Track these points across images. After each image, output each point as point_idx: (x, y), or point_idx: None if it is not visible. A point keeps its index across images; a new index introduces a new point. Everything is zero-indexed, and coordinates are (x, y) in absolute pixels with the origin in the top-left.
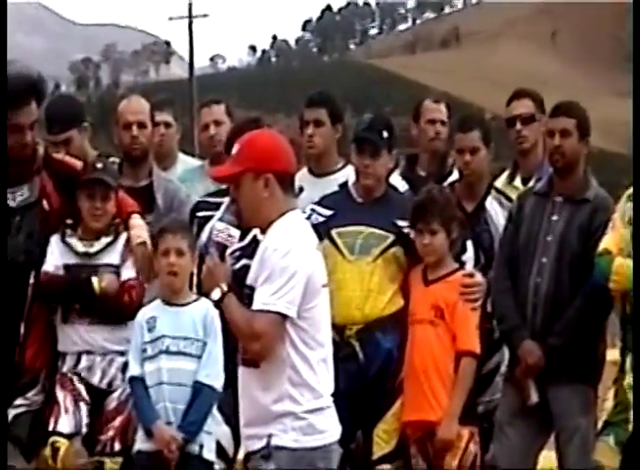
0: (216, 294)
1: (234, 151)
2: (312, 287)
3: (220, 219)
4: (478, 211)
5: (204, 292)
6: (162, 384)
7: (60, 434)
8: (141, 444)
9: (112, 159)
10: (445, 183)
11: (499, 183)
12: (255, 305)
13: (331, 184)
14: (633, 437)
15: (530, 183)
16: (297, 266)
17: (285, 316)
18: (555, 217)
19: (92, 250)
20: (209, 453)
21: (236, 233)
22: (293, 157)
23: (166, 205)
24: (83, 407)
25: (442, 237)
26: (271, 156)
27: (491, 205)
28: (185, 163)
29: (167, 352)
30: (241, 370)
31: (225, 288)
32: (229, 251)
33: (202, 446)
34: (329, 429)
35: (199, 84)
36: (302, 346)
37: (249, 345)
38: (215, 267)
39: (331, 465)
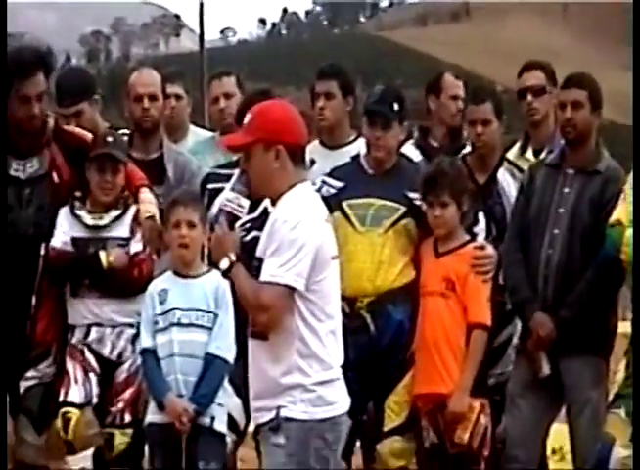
0: (224, 263)
1: (246, 120)
2: (321, 259)
3: (231, 189)
4: (490, 183)
5: (212, 261)
6: (174, 356)
7: (71, 404)
8: (152, 416)
9: (122, 131)
10: (458, 155)
11: (510, 155)
12: (263, 277)
13: (343, 156)
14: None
15: (542, 155)
16: (306, 239)
17: (293, 289)
18: (566, 189)
19: (101, 223)
20: (221, 425)
21: (246, 203)
22: (304, 129)
23: (177, 177)
24: (93, 378)
25: (453, 209)
26: (283, 127)
27: (503, 177)
28: (196, 135)
29: (179, 324)
30: (250, 342)
31: (233, 258)
32: (240, 222)
33: (213, 419)
34: (338, 401)
35: (209, 57)
36: (311, 318)
37: (256, 316)
38: (224, 237)
39: (340, 436)
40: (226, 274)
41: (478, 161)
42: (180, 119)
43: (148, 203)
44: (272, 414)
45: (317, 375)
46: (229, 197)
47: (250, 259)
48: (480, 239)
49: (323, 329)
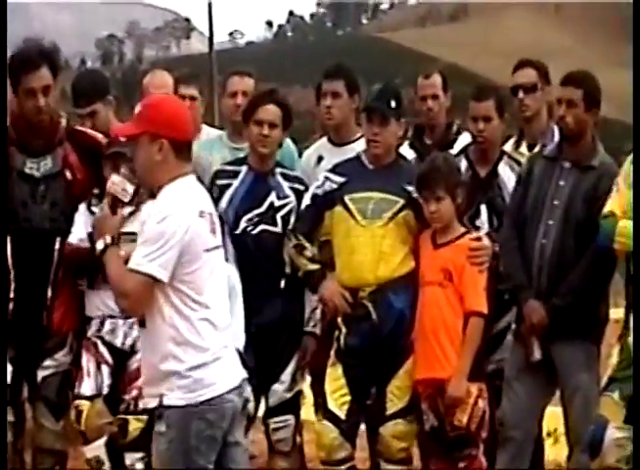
0: (100, 244)
1: (136, 111)
2: (192, 252)
3: (118, 173)
4: (491, 176)
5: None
6: None
7: (82, 396)
8: None
9: None
10: (457, 149)
11: (506, 149)
12: (130, 265)
13: (350, 153)
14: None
15: (535, 150)
16: (173, 231)
17: (155, 279)
18: (562, 182)
19: None
20: None
21: (130, 188)
22: (190, 126)
23: None
24: (105, 369)
25: (448, 203)
26: (168, 122)
27: (504, 170)
28: (208, 134)
29: None
30: (138, 332)
31: (109, 240)
32: (247, 216)
33: None
34: (217, 381)
35: (218, 59)
36: (183, 307)
37: (119, 301)
38: (104, 219)
39: (224, 415)
40: (100, 256)
41: (479, 155)
42: (194, 120)
43: None
44: (156, 402)
45: (191, 360)
46: (115, 180)
47: (258, 251)
48: (483, 231)
49: (196, 317)
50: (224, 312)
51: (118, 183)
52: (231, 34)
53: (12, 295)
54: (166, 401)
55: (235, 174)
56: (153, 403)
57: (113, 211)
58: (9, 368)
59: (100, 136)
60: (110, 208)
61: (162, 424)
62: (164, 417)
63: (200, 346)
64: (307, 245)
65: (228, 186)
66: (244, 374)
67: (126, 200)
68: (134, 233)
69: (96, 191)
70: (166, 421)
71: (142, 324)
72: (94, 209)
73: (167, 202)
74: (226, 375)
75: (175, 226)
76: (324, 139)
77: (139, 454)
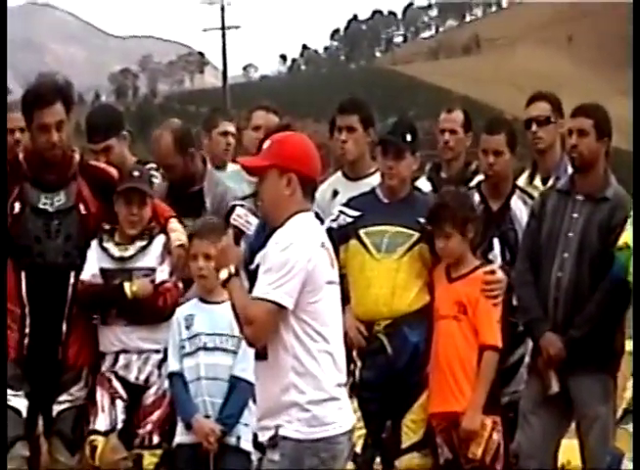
0: (224, 274)
1: (265, 146)
2: (314, 283)
3: (242, 206)
4: (503, 210)
5: (215, 269)
6: (201, 379)
7: (96, 432)
8: (181, 437)
9: (149, 165)
10: (472, 183)
11: (520, 183)
12: (254, 293)
13: (365, 187)
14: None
15: (549, 183)
16: (296, 260)
17: (281, 306)
18: (575, 215)
19: (127, 254)
20: (246, 444)
21: (254, 221)
22: (318, 164)
23: (214, 208)
24: (119, 404)
25: (457, 239)
26: (298, 157)
27: (516, 204)
28: (232, 167)
29: (205, 348)
30: (255, 364)
31: (233, 270)
32: (261, 252)
33: (239, 438)
34: (336, 421)
35: (232, 92)
36: (305, 337)
37: (243, 329)
38: (228, 249)
39: (336, 454)
40: (224, 285)
41: (491, 188)
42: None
43: (178, 232)
44: (272, 432)
45: (312, 393)
46: (239, 213)
47: None
48: (496, 265)
49: (317, 348)
50: (342, 351)
51: (242, 215)
52: (245, 68)
53: (27, 330)
54: (282, 432)
55: (250, 208)
56: (266, 436)
57: (236, 242)
58: (25, 403)
59: (113, 171)
60: (233, 239)
61: (276, 453)
62: (279, 447)
63: (320, 378)
64: None
65: None
66: (354, 419)
67: (250, 232)
68: (147, 268)
69: (106, 227)
70: (281, 450)
71: (258, 356)
72: (106, 244)
73: (291, 231)
74: (342, 417)
75: (299, 254)
76: (338, 173)
77: None
